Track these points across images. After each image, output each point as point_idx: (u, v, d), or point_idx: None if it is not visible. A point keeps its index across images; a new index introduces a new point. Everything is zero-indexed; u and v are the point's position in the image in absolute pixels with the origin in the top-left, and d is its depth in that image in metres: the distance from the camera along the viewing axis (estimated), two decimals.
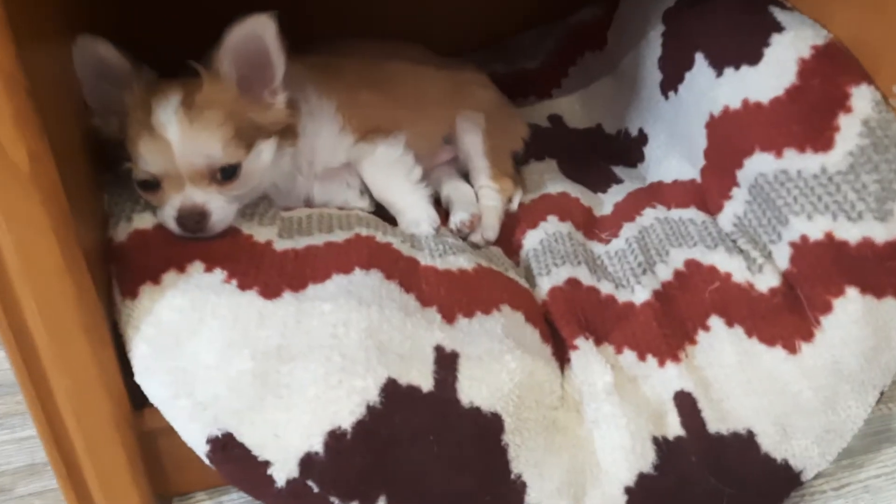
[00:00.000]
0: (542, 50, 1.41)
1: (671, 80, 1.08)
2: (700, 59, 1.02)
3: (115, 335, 0.77)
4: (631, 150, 1.20)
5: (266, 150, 0.88)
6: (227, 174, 0.85)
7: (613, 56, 1.27)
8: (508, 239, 1.04)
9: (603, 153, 1.23)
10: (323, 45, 1.03)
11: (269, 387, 0.72)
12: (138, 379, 0.75)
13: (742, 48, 0.96)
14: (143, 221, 0.83)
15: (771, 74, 0.91)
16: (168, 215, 0.83)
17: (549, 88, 1.36)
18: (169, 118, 0.82)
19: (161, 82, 0.86)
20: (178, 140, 0.82)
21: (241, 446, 0.71)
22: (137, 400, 0.79)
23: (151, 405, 0.78)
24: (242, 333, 0.74)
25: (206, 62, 0.85)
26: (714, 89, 0.98)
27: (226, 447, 0.71)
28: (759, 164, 0.91)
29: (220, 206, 0.84)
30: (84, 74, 0.83)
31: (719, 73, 0.98)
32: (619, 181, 1.16)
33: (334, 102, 0.97)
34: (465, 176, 1.13)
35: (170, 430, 0.75)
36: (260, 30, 0.83)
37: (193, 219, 0.82)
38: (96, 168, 0.86)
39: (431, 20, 1.32)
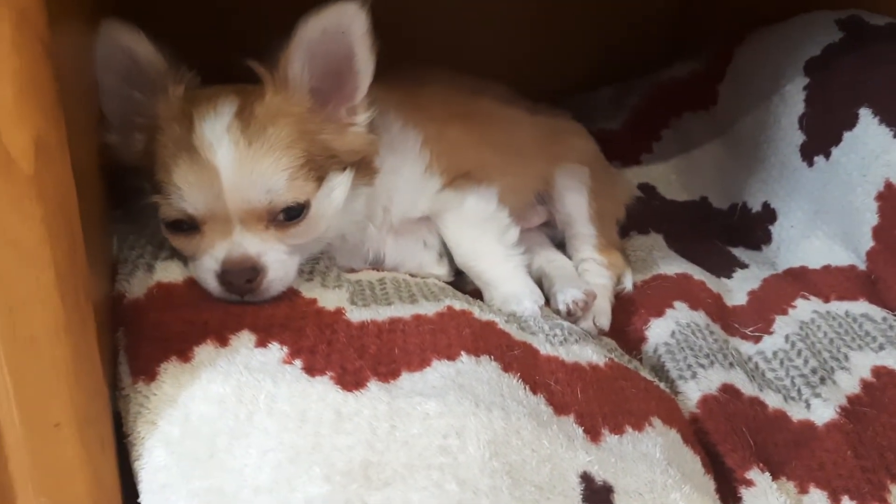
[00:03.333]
0: (625, 108, 1.24)
1: (820, 143, 0.91)
2: (867, 116, 0.85)
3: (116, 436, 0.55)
4: (752, 228, 1.01)
5: (340, 187, 0.67)
6: (290, 216, 0.63)
7: (725, 117, 1.09)
8: (623, 329, 0.82)
9: (714, 231, 1.03)
10: (395, 72, 0.81)
11: None
12: (147, 500, 0.52)
13: None
14: (169, 273, 0.61)
15: None
16: (207, 269, 0.61)
17: (638, 153, 1.17)
18: (218, 137, 0.61)
19: (207, 89, 0.65)
20: (230, 167, 0.61)
21: None
22: None
23: None
24: (312, 441, 0.51)
25: (271, 63, 0.64)
26: (891, 151, 0.82)
27: None
28: None
29: (278, 260, 0.63)
30: (105, 72, 0.63)
31: None
32: (743, 265, 0.96)
33: (420, 135, 0.76)
34: (560, 246, 0.92)
35: None
36: (346, 22, 0.63)
37: (244, 275, 0.61)
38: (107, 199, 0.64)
39: (489, 70, 1.14)
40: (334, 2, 0.62)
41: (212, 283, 0.61)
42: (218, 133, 0.61)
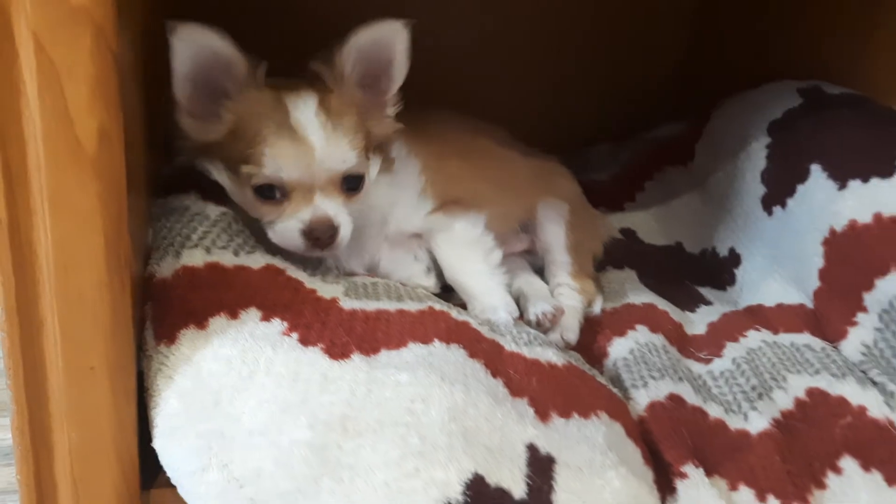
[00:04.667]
0: (616, 163, 1.34)
1: (777, 194, 0.99)
2: (817, 171, 0.94)
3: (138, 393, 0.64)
4: (719, 271, 1.09)
5: (375, 166, 0.83)
6: (353, 185, 0.79)
7: (700, 171, 1.19)
8: (589, 346, 0.90)
9: (685, 273, 1.12)
10: (406, 111, 0.94)
11: (328, 465, 0.57)
12: (159, 443, 0.61)
13: (870, 160, 0.88)
14: (193, 258, 0.70)
15: None
16: (293, 228, 0.76)
17: (622, 201, 1.27)
18: (311, 121, 0.75)
19: (276, 80, 0.78)
20: (322, 145, 0.75)
21: None
22: (144, 478, 0.65)
23: (160, 486, 0.65)
24: (301, 396, 0.60)
25: (325, 61, 0.79)
26: (836, 202, 0.89)
27: None
28: (895, 286, 0.80)
29: (346, 221, 0.78)
30: (184, 68, 0.73)
31: (842, 186, 0.89)
32: (707, 302, 1.04)
33: (420, 163, 0.88)
34: (539, 272, 1.01)
35: None
36: (392, 36, 0.79)
37: (327, 231, 0.76)
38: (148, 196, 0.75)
39: (503, 119, 1.26)
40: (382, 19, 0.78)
41: (297, 241, 0.76)
42: (311, 118, 0.75)
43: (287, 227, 0.76)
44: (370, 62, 0.79)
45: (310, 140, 0.75)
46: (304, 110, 0.75)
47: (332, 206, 0.77)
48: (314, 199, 0.76)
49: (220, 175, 0.79)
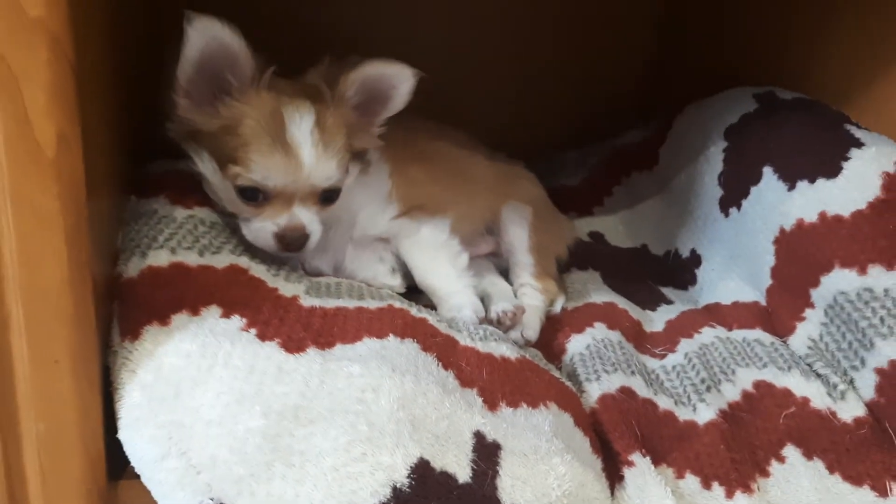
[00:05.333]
0: (585, 168, 1.38)
1: (733, 196, 1.03)
2: (768, 173, 0.97)
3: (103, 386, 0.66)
4: (681, 271, 1.13)
5: (352, 174, 0.86)
6: (330, 196, 0.83)
7: (664, 175, 1.23)
8: (549, 343, 0.93)
9: (649, 273, 1.16)
10: None
11: (280, 452, 0.59)
12: (123, 434, 0.64)
13: (818, 161, 0.91)
14: (159, 258, 0.73)
15: (852, 187, 0.85)
16: (267, 230, 0.80)
17: (591, 206, 1.31)
18: (305, 138, 0.79)
19: (283, 83, 0.81)
20: (312, 162, 0.79)
21: None
22: (112, 470, 0.67)
23: (128, 479, 0.67)
24: (256, 388, 0.63)
25: (329, 78, 0.83)
26: (785, 203, 0.92)
27: None
28: (838, 282, 0.83)
29: (317, 229, 0.82)
30: (194, 54, 0.75)
31: (791, 187, 0.92)
32: (668, 301, 1.07)
33: (389, 167, 0.92)
34: (504, 274, 1.05)
35: None
36: (401, 79, 0.83)
37: (299, 239, 0.80)
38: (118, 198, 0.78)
39: (474, 128, 1.29)
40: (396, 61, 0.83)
41: (269, 242, 0.80)
42: (306, 135, 0.78)
43: (262, 227, 0.80)
44: (371, 93, 0.83)
45: (301, 156, 0.78)
46: (301, 126, 0.78)
47: (307, 216, 0.81)
48: (293, 207, 0.80)
49: (203, 165, 0.82)
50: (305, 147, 0.78)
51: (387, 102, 0.86)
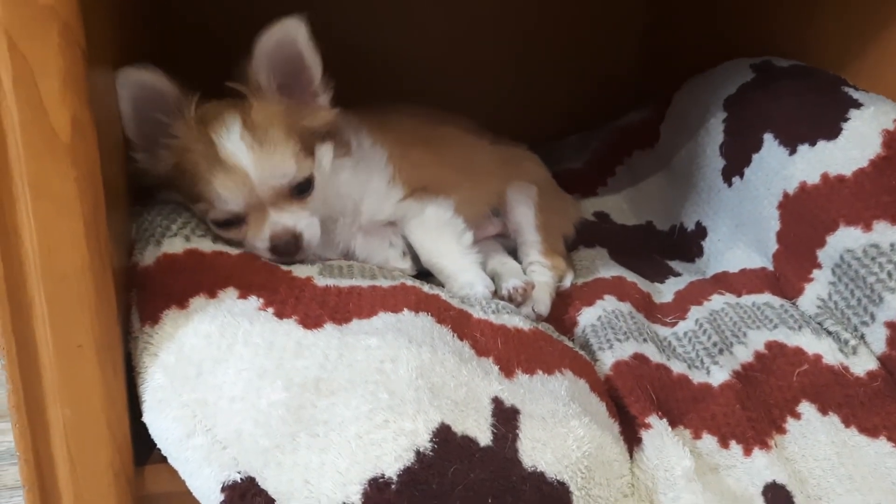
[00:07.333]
0: (588, 151, 1.39)
1: (736, 165, 1.04)
2: (769, 140, 0.98)
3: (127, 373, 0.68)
4: (688, 244, 1.14)
5: (326, 156, 0.85)
6: (302, 189, 0.81)
7: (666, 152, 1.24)
8: (560, 317, 0.94)
9: (656, 248, 1.17)
10: (372, 106, 0.98)
11: (304, 423, 0.61)
12: (148, 416, 0.65)
13: (817, 124, 0.92)
14: (173, 246, 0.75)
15: (853, 147, 0.86)
16: (259, 247, 0.79)
17: (595, 187, 1.32)
18: (237, 147, 0.77)
19: (210, 105, 0.80)
20: (254, 166, 0.77)
21: (264, 494, 0.59)
22: (138, 456, 0.68)
23: (154, 463, 0.68)
24: (277, 363, 0.64)
25: (240, 78, 0.80)
26: (787, 167, 0.93)
27: (245, 495, 0.59)
28: (844, 240, 0.84)
29: (308, 223, 0.80)
30: (128, 107, 0.76)
31: (792, 151, 0.93)
32: (676, 274, 1.08)
33: (386, 153, 0.92)
34: (513, 254, 1.06)
35: (174, 496, 0.64)
36: (292, 33, 0.79)
37: (290, 243, 0.79)
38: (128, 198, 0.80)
39: (475, 118, 1.31)
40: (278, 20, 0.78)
41: (269, 256, 0.79)
42: (237, 143, 0.76)
43: (254, 246, 0.80)
44: (282, 64, 0.80)
45: (241, 166, 0.76)
46: (230, 137, 0.76)
47: (288, 217, 0.80)
48: (267, 216, 0.79)
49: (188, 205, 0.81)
50: (241, 153, 0.76)
51: (302, 64, 0.82)
